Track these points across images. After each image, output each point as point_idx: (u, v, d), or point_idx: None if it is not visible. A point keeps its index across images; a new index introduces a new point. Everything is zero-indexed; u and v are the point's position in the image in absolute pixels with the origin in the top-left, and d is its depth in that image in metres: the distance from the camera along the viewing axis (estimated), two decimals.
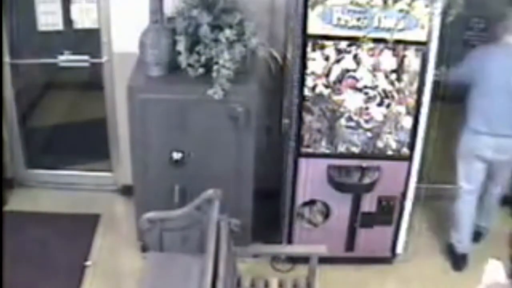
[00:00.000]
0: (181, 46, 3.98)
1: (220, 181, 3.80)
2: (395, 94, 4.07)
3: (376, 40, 3.89)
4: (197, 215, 3.68)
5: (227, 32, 3.91)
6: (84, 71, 5.21)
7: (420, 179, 4.42)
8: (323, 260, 3.82)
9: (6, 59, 4.89)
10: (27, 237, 4.64)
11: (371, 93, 4.06)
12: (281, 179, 4.49)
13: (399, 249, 4.60)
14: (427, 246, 4.77)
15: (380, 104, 4.09)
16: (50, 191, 5.26)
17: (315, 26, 3.87)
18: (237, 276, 3.84)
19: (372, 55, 3.96)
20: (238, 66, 3.95)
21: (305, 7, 3.82)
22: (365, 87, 4.05)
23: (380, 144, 4.20)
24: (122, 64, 4.46)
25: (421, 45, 3.94)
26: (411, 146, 4.22)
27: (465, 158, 4.45)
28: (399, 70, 4.01)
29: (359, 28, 3.86)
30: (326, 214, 4.41)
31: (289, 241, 4.50)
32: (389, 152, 4.23)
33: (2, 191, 4.80)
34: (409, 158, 4.25)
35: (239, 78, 3.96)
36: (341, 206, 4.38)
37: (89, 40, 4.95)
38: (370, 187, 4.29)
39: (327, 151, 4.22)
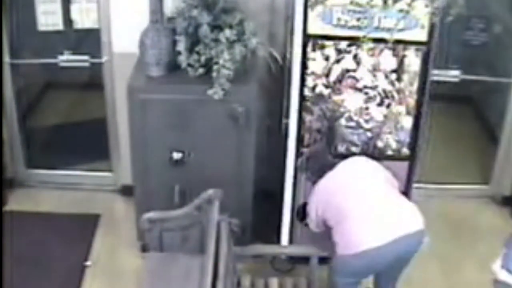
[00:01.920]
0: (181, 46, 3.98)
1: (220, 181, 3.80)
2: (395, 94, 4.07)
3: (376, 40, 3.89)
4: (197, 215, 3.68)
5: (227, 32, 3.91)
6: (84, 71, 5.21)
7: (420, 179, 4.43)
8: (323, 260, 3.82)
9: (6, 59, 4.89)
10: (27, 237, 4.64)
11: (371, 93, 4.06)
12: (281, 179, 4.48)
13: None
14: (427, 246, 4.76)
15: (380, 104, 4.09)
16: (50, 191, 5.26)
17: (315, 26, 3.87)
18: (237, 276, 3.84)
19: (372, 55, 3.96)
20: (238, 66, 3.95)
21: (305, 7, 3.82)
22: (365, 87, 4.05)
23: (380, 144, 4.20)
24: (122, 64, 4.46)
25: (421, 45, 3.93)
26: (411, 146, 4.22)
27: None
28: (399, 70, 4.01)
29: (359, 28, 3.86)
30: None
31: (289, 241, 4.50)
32: (389, 152, 4.23)
33: (2, 191, 4.80)
34: (409, 158, 4.25)
35: (239, 78, 3.96)
36: None
37: (89, 40, 4.95)
38: None
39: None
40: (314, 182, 3.81)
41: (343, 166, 3.75)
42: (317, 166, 3.87)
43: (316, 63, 3.98)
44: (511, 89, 5.10)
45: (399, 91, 4.06)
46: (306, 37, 3.91)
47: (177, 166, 4.21)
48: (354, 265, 3.51)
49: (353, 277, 3.64)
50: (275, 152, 4.69)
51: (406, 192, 4.34)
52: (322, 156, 3.95)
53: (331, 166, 3.77)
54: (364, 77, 4.02)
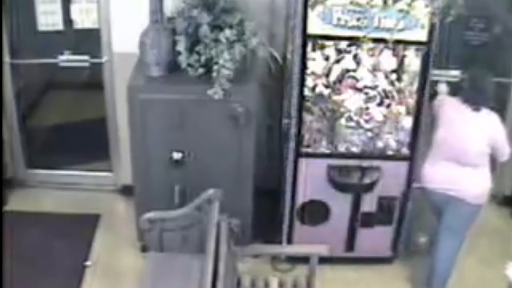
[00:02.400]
0: (181, 46, 3.98)
1: (220, 181, 3.80)
2: (395, 94, 4.07)
3: (376, 40, 3.89)
4: (197, 215, 3.68)
5: (227, 32, 3.91)
6: (84, 71, 5.21)
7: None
8: (323, 260, 3.82)
9: (6, 59, 4.89)
10: (27, 237, 4.64)
11: (371, 93, 4.06)
12: (281, 179, 4.49)
13: (400, 249, 4.60)
14: (428, 246, 4.77)
15: (380, 104, 4.09)
16: (50, 191, 5.26)
17: (315, 26, 3.87)
18: (237, 276, 3.84)
19: (372, 55, 3.96)
20: (238, 66, 3.95)
21: (305, 7, 3.82)
22: (365, 87, 4.05)
23: (380, 144, 4.20)
24: (122, 64, 4.46)
25: (421, 45, 3.93)
26: (411, 146, 4.22)
27: None
28: (399, 70, 4.01)
29: (359, 28, 3.86)
30: (326, 214, 4.41)
31: (289, 241, 4.50)
32: (389, 152, 4.23)
33: (2, 191, 4.80)
34: (409, 158, 4.25)
35: (239, 78, 3.96)
36: (341, 206, 4.38)
37: (89, 40, 4.95)
38: (370, 187, 4.29)
39: (327, 151, 4.22)
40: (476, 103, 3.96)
41: (468, 114, 3.98)
42: (473, 91, 3.99)
43: (316, 63, 3.98)
44: (511, 89, 5.10)
45: (399, 91, 4.06)
46: (306, 37, 3.90)
47: (177, 166, 4.21)
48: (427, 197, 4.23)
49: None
50: (275, 152, 4.69)
51: (405, 192, 4.36)
52: (481, 81, 4.04)
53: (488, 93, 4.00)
54: (364, 77, 4.02)
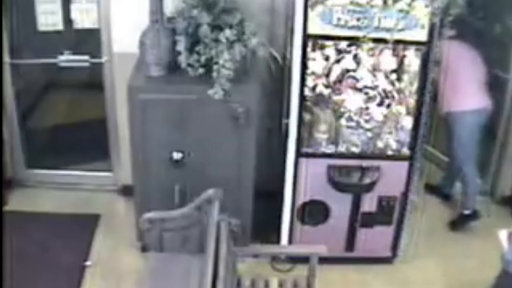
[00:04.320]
0: (181, 46, 3.98)
1: (220, 181, 3.80)
2: (395, 94, 4.07)
3: (376, 40, 3.89)
4: (197, 215, 3.68)
5: (227, 32, 3.91)
6: (84, 71, 5.21)
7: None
8: (323, 260, 3.82)
9: (6, 59, 4.89)
10: (27, 237, 4.63)
11: (371, 93, 4.06)
12: (281, 179, 4.49)
13: (400, 249, 4.60)
14: (428, 246, 4.77)
15: (380, 104, 4.09)
16: (50, 191, 5.26)
17: (315, 26, 3.87)
18: (237, 276, 3.84)
19: (372, 55, 3.96)
20: (238, 66, 3.95)
21: (305, 7, 3.82)
22: (365, 87, 4.05)
23: (380, 144, 4.20)
24: (122, 64, 4.46)
25: (421, 45, 3.94)
26: (411, 146, 4.22)
27: None
28: (399, 70, 4.01)
29: (359, 28, 3.86)
30: (326, 214, 4.41)
31: (289, 241, 4.50)
32: (389, 152, 4.23)
33: (2, 191, 4.80)
34: (409, 158, 4.25)
35: (239, 78, 3.96)
36: (341, 206, 4.38)
37: (89, 40, 4.95)
38: (370, 187, 4.29)
39: (327, 151, 4.22)
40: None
41: (466, 51, 4.72)
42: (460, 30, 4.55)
43: (316, 63, 3.98)
44: (508, 84, 5.08)
45: (399, 91, 4.07)
46: (306, 37, 3.91)
47: (177, 166, 4.21)
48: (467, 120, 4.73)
49: (469, 133, 4.77)
50: (275, 152, 4.69)
51: (405, 192, 4.36)
52: (469, 25, 4.70)
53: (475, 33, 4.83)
54: (364, 77, 4.02)
